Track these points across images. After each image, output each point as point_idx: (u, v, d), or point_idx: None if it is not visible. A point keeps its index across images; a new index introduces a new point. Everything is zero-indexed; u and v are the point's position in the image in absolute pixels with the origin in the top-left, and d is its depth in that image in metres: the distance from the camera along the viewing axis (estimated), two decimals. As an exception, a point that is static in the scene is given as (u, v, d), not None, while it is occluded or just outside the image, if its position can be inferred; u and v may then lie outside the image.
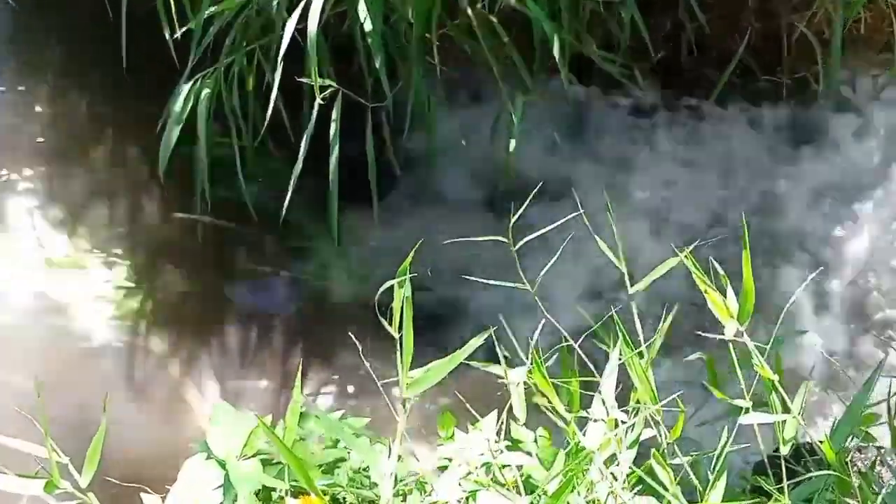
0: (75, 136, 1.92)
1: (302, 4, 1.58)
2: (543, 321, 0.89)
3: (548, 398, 0.97)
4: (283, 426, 0.97)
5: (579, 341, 0.90)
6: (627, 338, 0.89)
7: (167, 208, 1.85)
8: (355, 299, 1.82)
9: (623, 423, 0.87)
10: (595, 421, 0.86)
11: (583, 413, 1.00)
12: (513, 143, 1.77)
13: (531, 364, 0.89)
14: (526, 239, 0.90)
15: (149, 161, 1.81)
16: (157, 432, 1.54)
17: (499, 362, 1.03)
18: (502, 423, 1.09)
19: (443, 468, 1.09)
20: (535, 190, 1.04)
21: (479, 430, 1.13)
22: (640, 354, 0.94)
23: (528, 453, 1.12)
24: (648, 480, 0.84)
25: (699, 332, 0.87)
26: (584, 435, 0.87)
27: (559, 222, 0.91)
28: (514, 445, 1.13)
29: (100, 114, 1.95)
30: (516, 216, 0.89)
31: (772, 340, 0.96)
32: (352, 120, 1.76)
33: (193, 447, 1.05)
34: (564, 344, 0.94)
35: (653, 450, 0.85)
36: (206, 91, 1.69)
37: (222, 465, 0.94)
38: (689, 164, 2.12)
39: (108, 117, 1.95)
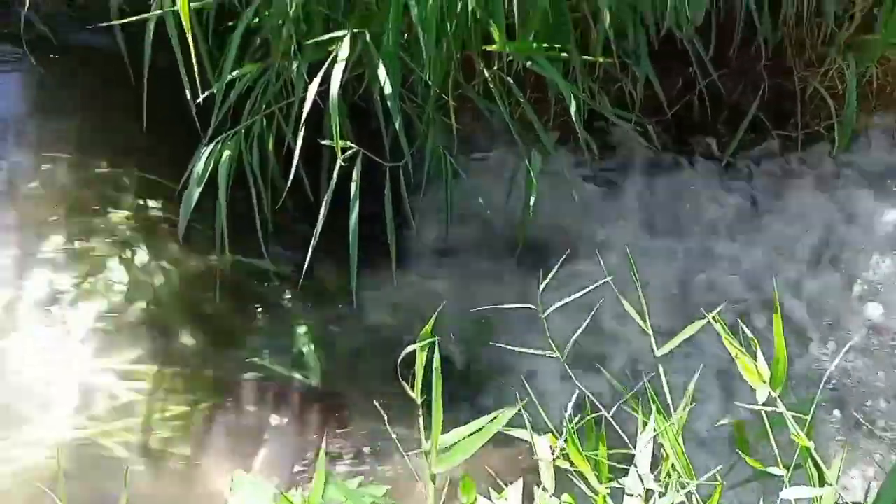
0: (96, 197, 1.94)
1: (323, 69, 1.61)
2: (577, 392, 0.87)
3: (578, 468, 0.95)
4: (308, 498, 0.95)
5: (612, 412, 0.89)
6: (661, 407, 0.87)
7: (186, 267, 1.86)
8: (375, 360, 1.80)
9: (659, 494, 0.84)
10: (631, 496, 0.83)
11: (614, 482, 0.98)
12: (532, 199, 1.78)
13: (566, 436, 0.87)
14: (555, 306, 0.89)
15: (170, 219, 1.82)
16: (171, 500, 1.50)
17: (521, 425, 1.01)
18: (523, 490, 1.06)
19: (466, 537, 1.06)
20: (564, 257, 1.03)
21: (504, 500, 1.10)
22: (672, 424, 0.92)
23: (556, 523, 1.09)
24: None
25: (737, 403, 0.84)
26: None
27: (588, 289, 0.90)
28: (541, 514, 1.10)
29: (120, 175, 1.97)
30: (545, 282, 0.88)
31: (810, 406, 0.94)
32: (368, 178, 1.77)
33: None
34: (595, 415, 0.92)
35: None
36: (227, 153, 1.70)
37: (245, 539, 0.92)
38: (712, 227, 2.12)
39: (127, 179, 1.96)
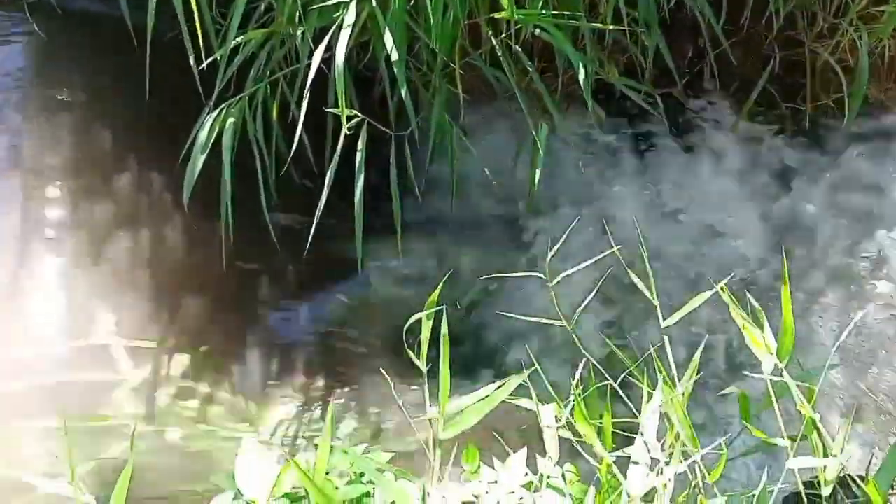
0: (99, 166, 1.93)
1: (328, 35, 1.59)
2: (584, 360, 0.87)
3: (584, 436, 0.95)
4: (313, 465, 0.95)
5: (619, 381, 0.88)
6: (667, 377, 0.87)
7: (191, 237, 1.85)
8: (381, 329, 1.80)
9: (665, 464, 0.84)
10: (637, 464, 0.83)
11: (619, 451, 0.99)
12: (538, 173, 1.76)
13: (573, 404, 0.87)
14: (563, 274, 0.89)
15: (173, 189, 1.81)
16: (181, 468, 1.52)
17: (525, 394, 1.01)
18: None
19: (469, 504, 1.07)
20: (572, 225, 1.03)
21: (508, 467, 1.11)
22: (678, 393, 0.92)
23: (560, 491, 1.09)
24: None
25: (745, 372, 0.84)
26: (624, 478, 0.85)
27: (596, 258, 0.90)
28: (545, 482, 1.11)
29: (124, 144, 1.96)
30: (551, 254, 0.88)
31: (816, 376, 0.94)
32: (374, 148, 1.76)
33: (218, 482, 1.04)
34: (601, 383, 0.92)
35: (697, 496, 0.83)
36: (230, 120, 1.69)
37: (252, 504, 0.92)
38: (722, 194, 2.10)
39: (132, 147, 1.95)
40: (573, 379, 0.86)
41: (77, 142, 1.95)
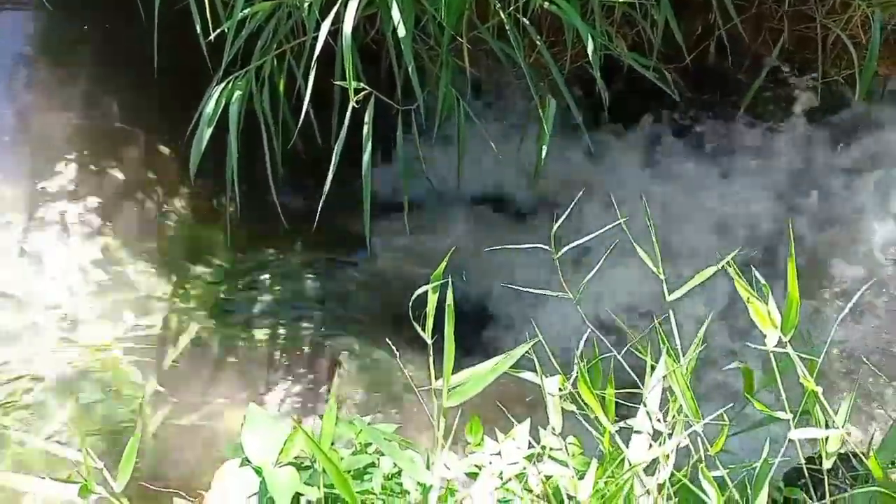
0: (107, 137, 1.93)
1: (335, 8, 1.58)
2: (588, 332, 0.87)
3: (588, 407, 0.96)
4: (320, 432, 0.96)
5: (622, 352, 0.89)
6: (671, 349, 0.87)
7: (197, 209, 1.86)
8: (388, 303, 1.81)
9: (667, 435, 0.85)
10: (639, 433, 0.84)
11: (622, 422, 0.99)
12: (544, 149, 1.75)
13: (576, 374, 0.88)
14: (567, 247, 0.89)
15: (180, 161, 1.82)
16: (189, 436, 1.53)
17: (529, 367, 1.02)
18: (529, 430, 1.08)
19: (472, 475, 1.08)
20: (577, 198, 1.02)
21: (512, 439, 1.12)
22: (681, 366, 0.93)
23: (564, 462, 1.10)
24: (697, 492, 0.82)
25: (748, 343, 0.84)
26: (627, 447, 0.85)
27: (600, 231, 0.90)
28: (547, 454, 1.12)
29: (131, 116, 1.96)
30: (557, 224, 0.88)
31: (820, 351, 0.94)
32: (380, 123, 1.75)
33: (226, 452, 1.05)
34: (605, 356, 0.93)
35: (699, 465, 0.84)
36: (237, 93, 1.69)
37: (258, 471, 0.94)
38: (726, 173, 2.09)
39: (139, 119, 1.95)
40: (576, 350, 0.87)
41: (84, 115, 1.96)
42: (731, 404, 0.85)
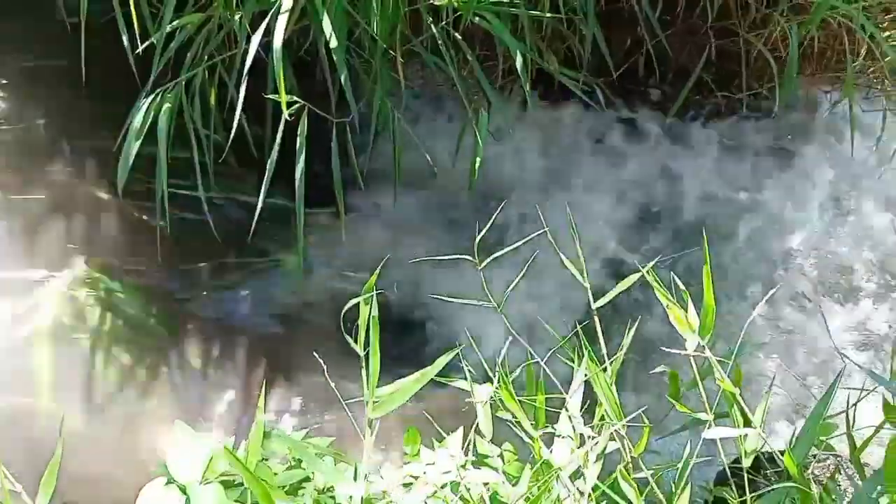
0: (32, 150, 1.88)
1: (266, 20, 1.57)
2: (510, 339, 0.89)
3: (514, 414, 0.97)
4: (246, 448, 0.96)
5: (545, 359, 0.91)
6: (593, 354, 0.90)
7: (126, 224, 1.82)
8: (320, 315, 1.80)
9: (591, 438, 0.87)
10: (562, 437, 0.86)
11: (549, 428, 1.01)
12: (478, 160, 1.78)
13: (498, 381, 0.89)
14: (491, 257, 0.90)
15: (108, 176, 1.78)
16: (114, 453, 1.50)
17: (463, 377, 1.03)
18: (469, 439, 1.09)
19: (408, 486, 1.08)
20: (499, 209, 1.04)
21: (444, 448, 1.13)
22: (605, 370, 0.95)
23: (495, 469, 1.12)
24: (614, 497, 0.84)
25: (665, 348, 0.87)
26: (550, 451, 0.87)
27: (523, 241, 0.92)
28: (481, 461, 1.13)
29: (58, 128, 1.91)
30: (480, 235, 0.89)
31: (733, 353, 0.98)
32: (315, 135, 1.75)
33: (153, 471, 1.03)
34: (531, 361, 0.95)
35: (619, 466, 0.86)
36: (166, 105, 1.66)
37: (183, 490, 0.92)
38: (649, 182, 2.16)
39: (66, 132, 1.90)
40: (498, 357, 0.88)
41: (10, 130, 1.90)
42: (645, 407, 0.88)
